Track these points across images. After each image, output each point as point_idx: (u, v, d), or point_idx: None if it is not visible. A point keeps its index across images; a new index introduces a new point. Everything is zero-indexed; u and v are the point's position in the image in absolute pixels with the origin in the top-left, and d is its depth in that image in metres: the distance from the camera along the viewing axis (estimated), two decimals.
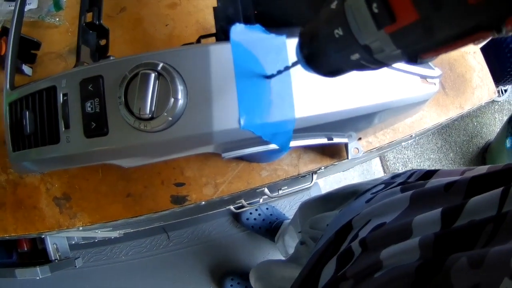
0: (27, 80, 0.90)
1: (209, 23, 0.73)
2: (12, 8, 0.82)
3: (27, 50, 0.94)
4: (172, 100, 0.58)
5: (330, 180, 2.36)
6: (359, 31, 0.38)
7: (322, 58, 0.46)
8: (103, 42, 0.80)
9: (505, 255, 0.37)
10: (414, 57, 0.38)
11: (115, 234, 1.91)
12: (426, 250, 0.47)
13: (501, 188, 0.48)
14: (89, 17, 0.78)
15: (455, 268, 0.40)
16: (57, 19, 0.98)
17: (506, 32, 0.31)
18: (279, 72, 0.60)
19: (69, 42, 0.98)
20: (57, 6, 0.99)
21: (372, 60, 0.40)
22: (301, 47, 0.48)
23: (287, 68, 0.59)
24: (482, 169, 0.65)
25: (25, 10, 0.87)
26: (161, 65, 0.59)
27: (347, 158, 0.86)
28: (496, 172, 0.56)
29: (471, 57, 1.04)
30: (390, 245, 0.53)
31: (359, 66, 0.42)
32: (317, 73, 0.49)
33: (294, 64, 0.55)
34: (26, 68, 0.93)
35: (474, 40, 0.33)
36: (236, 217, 2.26)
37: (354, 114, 0.69)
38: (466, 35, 0.33)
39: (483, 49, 1.05)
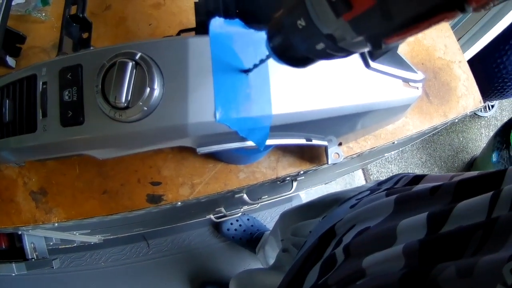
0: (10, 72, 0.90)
1: (192, 24, 0.73)
2: (0, 1, 0.82)
3: (12, 43, 0.94)
4: (148, 89, 0.58)
5: (312, 193, 2.36)
6: (319, 20, 0.38)
7: (289, 49, 0.46)
8: (85, 35, 0.80)
9: (497, 265, 0.35)
10: (377, 43, 0.37)
11: (94, 239, 1.89)
12: (411, 258, 0.46)
13: (490, 192, 0.46)
14: (73, 9, 0.79)
15: (442, 277, 0.39)
16: (43, 14, 0.99)
17: (471, 10, 0.30)
18: (255, 66, 0.61)
19: (54, 37, 0.98)
20: (44, 1, 0.99)
21: (337, 48, 0.40)
22: (269, 40, 0.48)
23: (260, 62, 0.59)
24: (472, 174, 0.63)
25: (13, 3, 0.87)
26: (139, 54, 0.59)
27: (327, 163, 0.85)
28: (484, 175, 0.55)
29: (456, 66, 1.05)
30: (374, 252, 0.52)
31: (326, 55, 0.43)
32: (287, 64, 0.49)
33: (266, 57, 0.56)
34: (10, 60, 0.92)
35: (439, 22, 0.33)
36: (217, 227, 2.25)
37: (334, 114, 0.69)
38: (427, 17, 0.33)
39: (470, 65, 1.06)
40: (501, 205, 0.44)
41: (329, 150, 0.84)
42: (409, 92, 0.74)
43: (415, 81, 0.74)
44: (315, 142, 0.78)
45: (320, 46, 0.41)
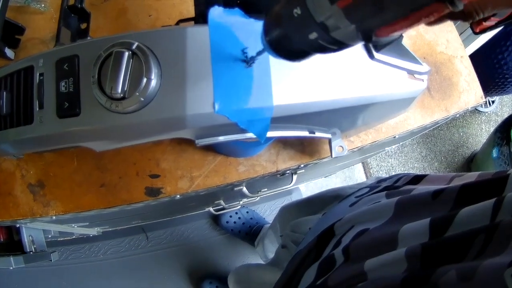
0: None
1: (193, 15, 0.72)
2: None
3: (11, 34, 0.93)
4: (145, 80, 0.57)
5: (312, 186, 2.36)
6: (314, 7, 0.39)
7: (284, 41, 0.47)
8: (83, 26, 0.80)
9: (498, 269, 0.35)
10: (368, 34, 0.39)
11: (93, 231, 1.89)
12: (413, 262, 0.46)
13: (493, 199, 0.46)
14: (71, 0, 0.78)
15: (443, 281, 0.39)
16: (43, 5, 0.98)
17: (460, 5, 0.31)
18: (252, 58, 0.60)
19: (53, 28, 0.96)
20: None
21: (329, 39, 0.41)
22: (265, 33, 0.48)
23: (257, 54, 0.59)
24: (472, 176, 0.63)
25: None
26: (136, 44, 0.58)
27: (331, 156, 0.83)
28: (486, 181, 0.54)
29: (458, 61, 1.05)
30: (375, 256, 0.51)
31: (319, 46, 0.43)
32: (282, 57, 0.49)
33: (262, 51, 0.56)
34: (8, 52, 0.92)
35: (429, 14, 0.34)
36: (216, 220, 2.25)
37: (337, 106, 0.68)
38: (417, 8, 0.33)
39: (471, 59, 1.06)
40: (504, 212, 0.44)
41: (333, 143, 0.82)
42: (414, 84, 0.73)
43: (420, 73, 0.73)
44: (318, 134, 0.77)
45: (313, 35, 0.41)
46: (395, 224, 0.58)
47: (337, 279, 0.54)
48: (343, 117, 0.76)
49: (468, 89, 1.03)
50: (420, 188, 0.67)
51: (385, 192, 0.70)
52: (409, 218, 0.55)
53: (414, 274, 0.44)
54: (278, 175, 1.02)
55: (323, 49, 0.43)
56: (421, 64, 0.72)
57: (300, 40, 0.44)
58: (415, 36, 1.04)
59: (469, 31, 1.56)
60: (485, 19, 0.64)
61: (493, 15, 0.63)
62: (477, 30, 0.71)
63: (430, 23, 0.36)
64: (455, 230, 0.47)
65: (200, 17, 0.68)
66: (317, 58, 0.54)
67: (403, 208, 0.60)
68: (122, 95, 0.57)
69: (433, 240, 0.48)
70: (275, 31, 0.47)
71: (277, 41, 0.48)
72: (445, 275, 0.39)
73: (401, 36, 0.64)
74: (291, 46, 0.46)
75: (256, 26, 0.63)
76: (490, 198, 0.47)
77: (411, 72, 0.72)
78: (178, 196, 0.90)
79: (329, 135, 0.80)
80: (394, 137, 0.98)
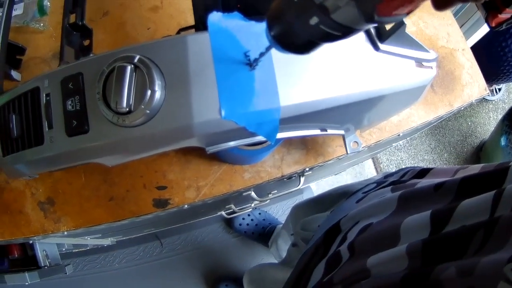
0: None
1: (190, 24, 0.73)
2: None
3: (13, 55, 0.94)
4: (149, 92, 0.57)
5: (323, 184, 2.35)
6: None
7: (287, 32, 0.46)
8: (86, 42, 0.80)
9: (498, 265, 0.35)
10: (370, 12, 0.37)
11: (107, 241, 1.90)
12: (414, 258, 0.46)
13: (493, 191, 0.46)
14: (72, 18, 0.78)
15: (443, 278, 0.39)
16: (42, 24, 0.99)
17: None
18: (256, 59, 0.60)
19: (53, 47, 0.98)
20: (41, 11, 0.99)
21: (331, 22, 0.40)
22: (269, 28, 0.48)
23: (262, 54, 0.58)
24: (476, 168, 0.63)
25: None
26: (137, 57, 0.59)
27: (346, 152, 0.83)
28: (487, 173, 0.54)
29: (460, 54, 1.04)
30: (378, 251, 0.52)
31: (323, 34, 0.42)
32: (289, 51, 0.49)
33: (267, 49, 0.56)
34: (14, 73, 0.92)
35: None
36: (229, 223, 2.25)
37: (346, 101, 0.67)
38: None
39: (475, 49, 1.06)
40: (504, 204, 0.44)
41: (347, 139, 0.81)
42: (423, 72, 0.72)
43: (428, 61, 0.72)
44: (330, 132, 0.76)
45: (314, 20, 0.41)
46: (397, 217, 0.58)
47: (342, 275, 0.54)
48: (353, 112, 0.75)
49: (471, 81, 1.03)
50: (424, 182, 0.67)
51: (391, 187, 0.70)
52: (412, 211, 0.55)
53: (414, 272, 0.44)
54: (285, 179, 1.02)
55: (327, 36, 0.43)
56: (428, 51, 0.71)
57: (302, 28, 0.43)
58: (415, 31, 1.04)
59: (470, 23, 1.55)
60: (500, 11, 0.62)
61: (507, 5, 0.62)
62: (493, 24, 0.69)
63: (439, 6, 0.35)
64: (456, 222, 0.47)
65: (200, 24, 0.68)
66: (322, 55, 0.54)
67: (406, 201, 0.60)
68: (127, 109, 0.58)
69: (434, 236, 0.48)
70: (278, 23, 0.46)
71: (281, 34, 0.47)
72: (445, 272, 0.40)
73: (404, 24, 0.63)
74: (295, 37, 0.46)
75: (257, 28, 0.63)
76: (491, 190, 0.47)
77: (418, 61, 0.71)
78: (186, 206, 0.91)
79: (342, 132, 0.79)
80: (398, 135, 0.98)
